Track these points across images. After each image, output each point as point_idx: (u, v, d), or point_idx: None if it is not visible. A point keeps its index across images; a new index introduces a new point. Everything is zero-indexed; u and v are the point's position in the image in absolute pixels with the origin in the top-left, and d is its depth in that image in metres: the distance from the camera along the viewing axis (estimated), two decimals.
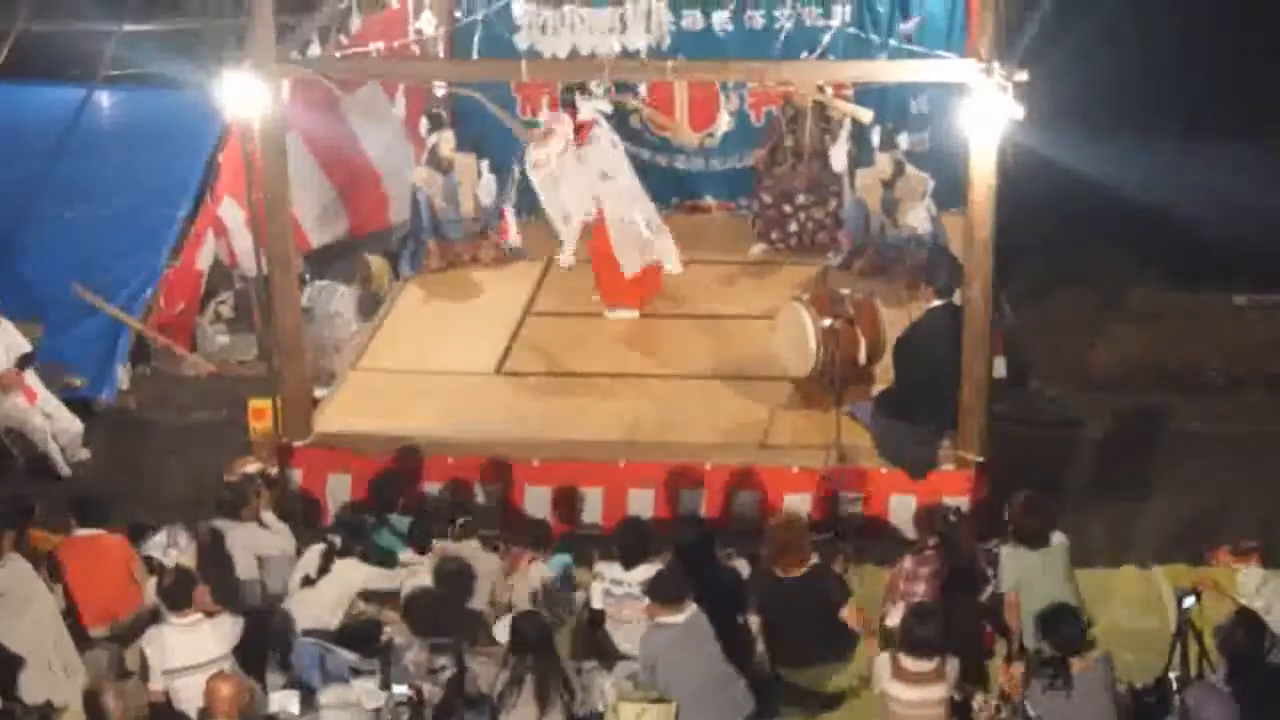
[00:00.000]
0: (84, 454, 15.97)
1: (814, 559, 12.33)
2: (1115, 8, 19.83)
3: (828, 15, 17.77)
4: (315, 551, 12.98)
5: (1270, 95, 19.54)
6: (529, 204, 17.90)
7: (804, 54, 16.51)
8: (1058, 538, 12.25)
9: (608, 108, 16.56)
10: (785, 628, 12.14)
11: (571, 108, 16.34)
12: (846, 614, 12.11)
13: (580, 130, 16.24)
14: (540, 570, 13.01)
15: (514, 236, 17.67)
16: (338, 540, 13.03)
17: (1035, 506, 12.27)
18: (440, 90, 17.24)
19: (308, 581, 12.80)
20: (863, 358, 14.71)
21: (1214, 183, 17.70)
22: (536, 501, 14.48)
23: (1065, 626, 11.18)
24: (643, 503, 14.35)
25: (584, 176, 16.26)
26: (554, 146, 16.28)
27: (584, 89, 16.33)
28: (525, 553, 13.12)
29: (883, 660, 11.39)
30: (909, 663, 11.23)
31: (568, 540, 13.89)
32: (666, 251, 16.71)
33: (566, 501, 14.44)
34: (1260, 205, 17.37)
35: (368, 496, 13.95)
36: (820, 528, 13.65)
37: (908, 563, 12.61)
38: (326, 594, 12.71)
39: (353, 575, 12.86)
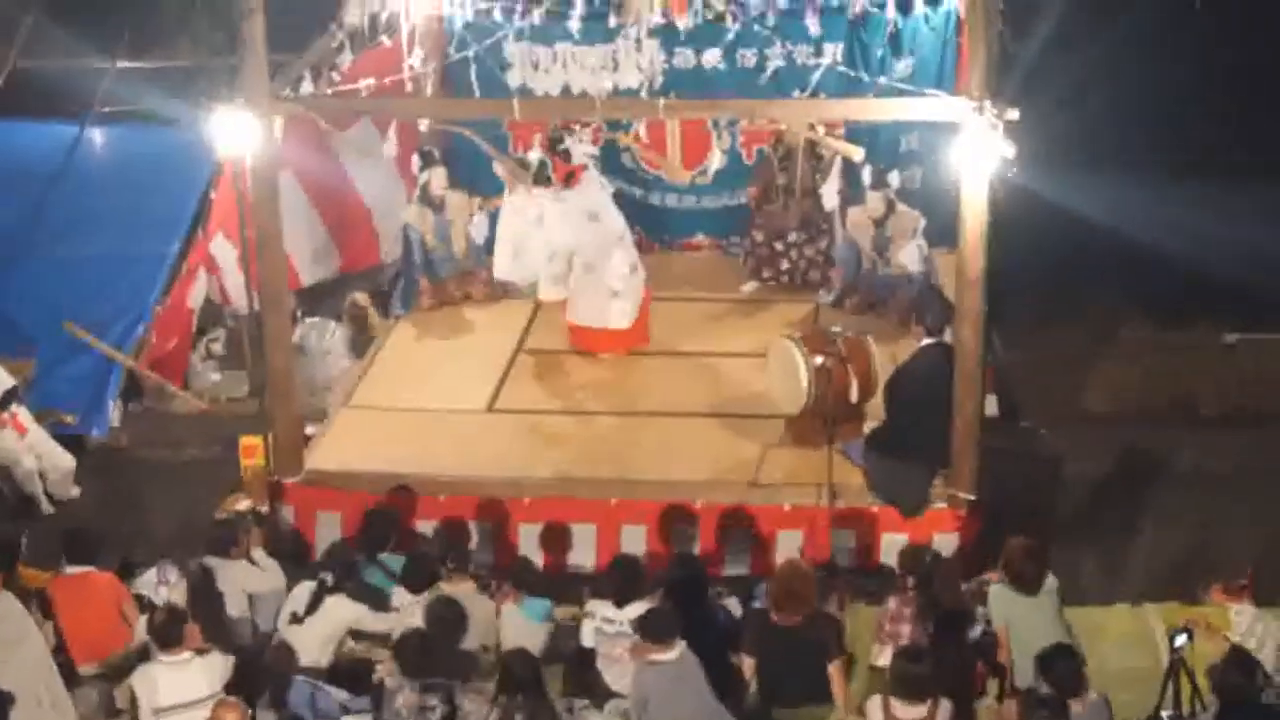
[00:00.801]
0: (75, 491, 15.95)
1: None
2: (1105, 47, 19.90)
3: (819, 54, 17.79)
4: (304, 589, 12.96)
5: (1260, 135, 19.60)
6: None
7: (796, 92, 16.59)
8: (1049, 581, 12.21)
9: (595, 150, 16.55)
10: (779, 673, 12.06)
11: (561, 154, 16.27)
12: (832, 671, 12.00)
13: (573, 174, 16.21)
14: (514, 611, 12.95)
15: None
16: (328, 577, 13.01)
17: (1032, 556, 12.21)
18: (422, 125, 17.26)
19: (295, 619, 12.78)
20: (854, 396, 14.72)
21: (1204, 221, 17.72)
22: (530, 539, 14.46)
23: (1064, 667, 11.12)
24: (635, 540, 14.33)
25: (571, 218, 16.21)
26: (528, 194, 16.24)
27: (569, 131, 16.30)
28: (512, 591, 13.10)
29: (874, 704, 11.32)
30: (900, 708, 11.17)
31: (559, 577, 13.87)
32: (624, 312, 16.64)
33: (558, 539, 14.43)
34: (1249, 243, 17.39)
35: (359, 534, 13.91)
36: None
37: (892, 603, 12.62)
38: (316, 632, 12.68)
39: (342, 613, 12.84)
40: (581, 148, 16.29)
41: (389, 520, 13.88)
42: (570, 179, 16.16)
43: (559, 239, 16.27)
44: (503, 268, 16.66)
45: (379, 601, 13.07)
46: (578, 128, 16.15)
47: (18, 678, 12.16)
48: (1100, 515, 14.94)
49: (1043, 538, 12.64)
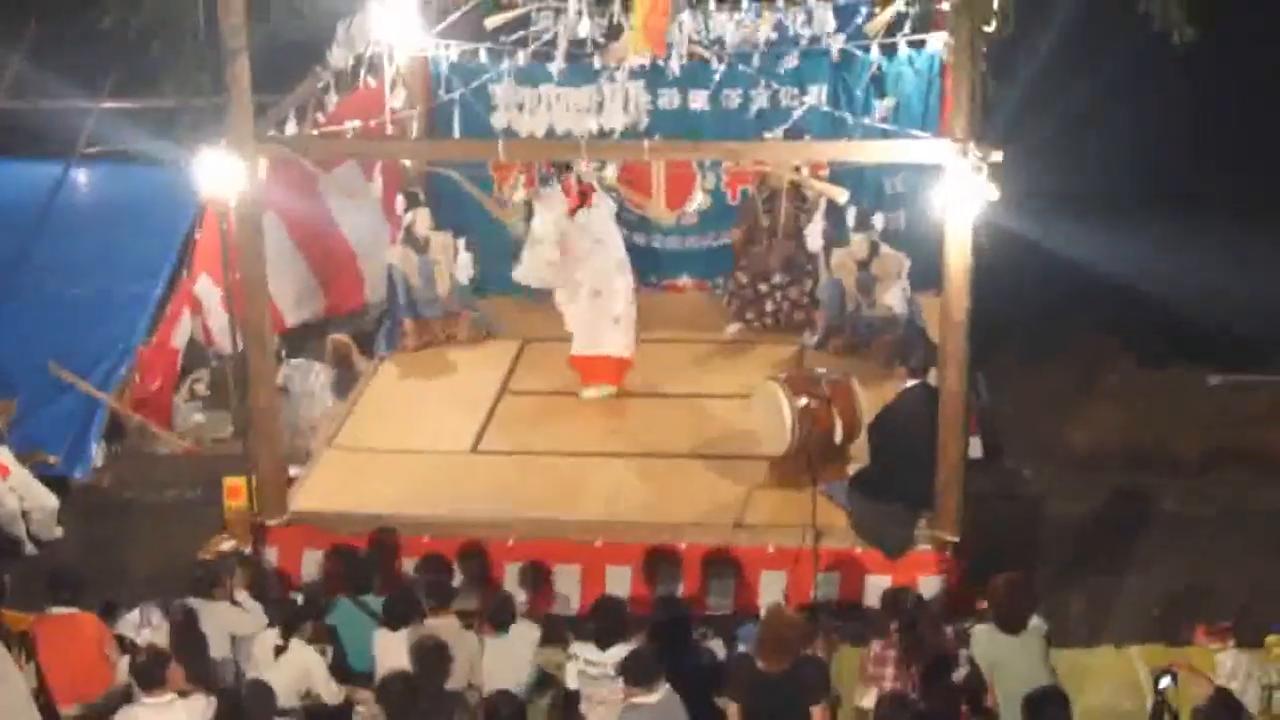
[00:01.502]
0: (58, 532, 15.93)
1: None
2: (1088, 90, 19.99)
3: (804, 95, 17.85)
4: (271, 635, 12.89)
5: (1244, 178, 19.69)
6: (501, 285, 18.04)
7: (780, 133, 16.63)
8: (1035, 622, 12.19)
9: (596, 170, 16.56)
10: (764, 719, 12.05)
11: (567, 173, 16.28)
12: (816, 714, 11.96)
13: (585, 196, 16.22)
14: (497, 641, 12.93)
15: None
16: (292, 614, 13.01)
17: (1016, 591, 12.19)
18: (408, 163, 17.30)
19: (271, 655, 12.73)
20: (838, 437, 14.72)
21: (1187, 263, 17.79)
22: (514, 580, 14.43)
23: (1054, 713, 11.08)
24: (619, 581, 14.31)
25: (579, 241, 16.25)
26: (556, 210, 16.26)
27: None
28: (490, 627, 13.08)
29: None
30: None
31: (543, 619, 13.84)
32: (623, 342, 16.62)
33: (542, 580, 14.40)
34: (1233, 285, 17.47)
35: (344, 576, 13.88)
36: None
37: (876, 646, 12.60)
38: (284, 676, 12.61)
39: (306, 660, 12.76)
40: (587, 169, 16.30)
41: (371, 562, 13.86)
42: (584, 200, 16.17)
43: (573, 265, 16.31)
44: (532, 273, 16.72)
45: (360, 642, 13.03)
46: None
47: None
48: (1084, 556, 14.95)
49: (1027, 577, 12.64)
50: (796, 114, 16.97)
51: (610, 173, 16.44)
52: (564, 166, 16.30)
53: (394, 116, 16.51)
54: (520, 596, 14.09)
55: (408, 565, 14.29)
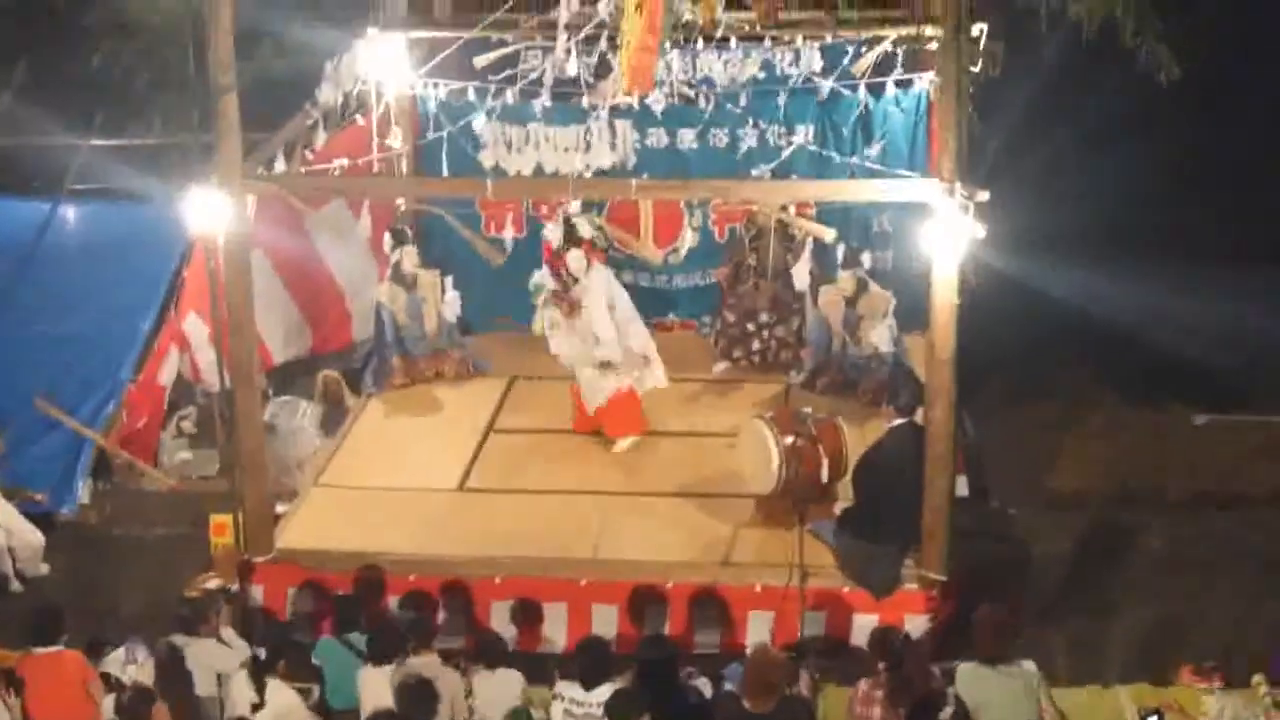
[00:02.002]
0: (44, 568, 15.90)
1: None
2: (1074, 131, 20.07)
3: (791, 134, 17.91)
4: (242, 678, 12.87)
5: (1228, 218, 19.76)
6: (487, 323, 18.09)
7: (767, 172, 16.67)
8: (1028, 665, 12.15)
9: (597, 224, 16.56)
10: None
11: (571, 231, 16.31)
12: None
13: (591, 259, 16.23)
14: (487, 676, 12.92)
15: None
16: (261, 652, 12.97)
17: (1000, 625, 12.20)
18: (400, 202, 17.33)
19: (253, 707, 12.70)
20: (825, 476, 14.73)
21: (1173, 303, 17.84)
22: (500, 618, 14.42)
23: None
24: (606, 620, 14.30)
25: (598, 308, 16.23)
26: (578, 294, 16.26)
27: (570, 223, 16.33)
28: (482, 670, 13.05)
29: None
30: None
31: (529, 657, 13.82)
32: (650, 379, 16.62)
33: (528, 618, 14.39)
34: (1218, 325, 17.52)
35: (330, 615, 13.87)
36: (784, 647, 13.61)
37: (863, 685, 12.56)
38: (265, 717, 12.56)
39: (287, 701, 12.72)
40: (584, 221, 16.29)
41: (356, 600, 13.83)
42: (589, 262, 16.18)
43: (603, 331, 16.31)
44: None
45: (345, 679, 13.01)
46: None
47: None
48: (1070, 596, 14.94)
49: (1007, 611, 12.64)
50: (785, 154, 17.03)
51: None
52: (575, 235, 16.28)
53: (382, 155, 16.53)
54: (510, 633, 14.08)
55: (392, 603, 14.29)
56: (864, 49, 16.80)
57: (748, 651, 13.16)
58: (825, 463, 14.67)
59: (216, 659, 13.20)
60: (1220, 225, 19.73)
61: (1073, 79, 19.99)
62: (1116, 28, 13.97)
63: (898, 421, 14.31)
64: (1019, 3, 13.63)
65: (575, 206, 16.46)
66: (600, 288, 16.16)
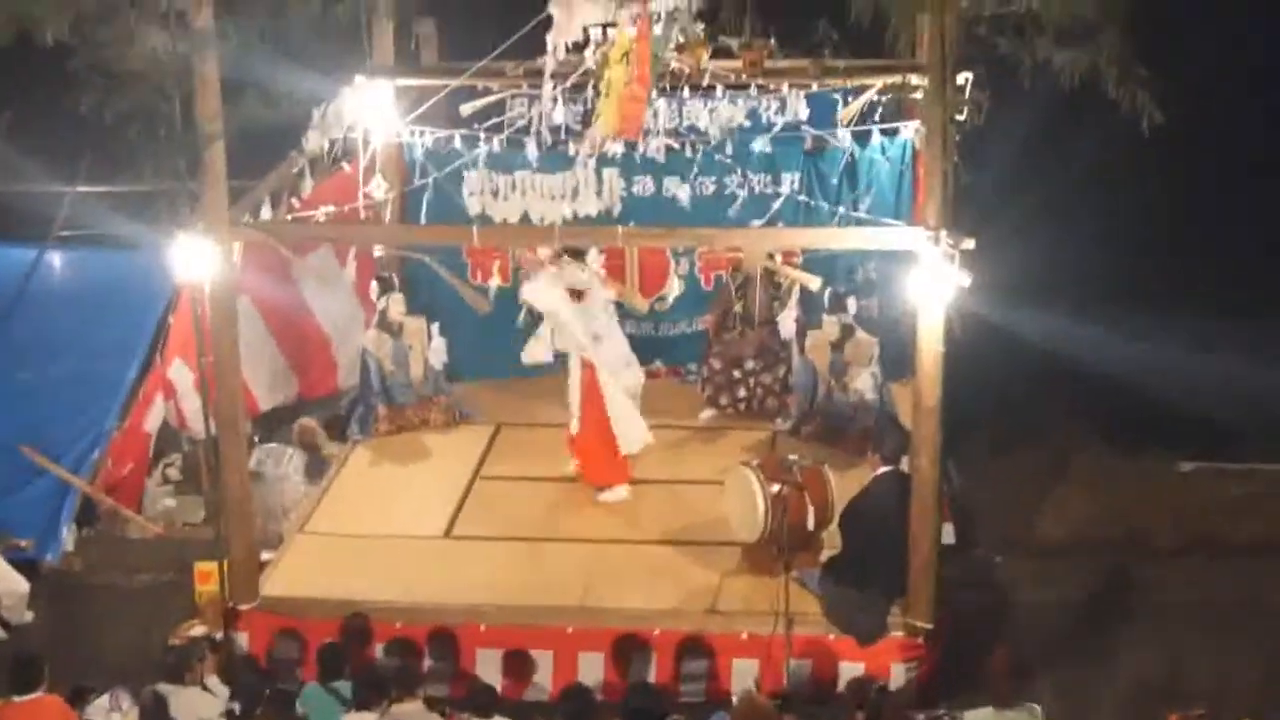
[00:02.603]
0: (28, 616, 15.85)
1: None
2: (1059, 179, 20.13)
3: (777, 182, 17.96)
4: None
5: (1212, 267, 19.82)
6: (474, 370, 18.09)
7: (754, 221, 16.70)
8: (1035, 708, 12.15)
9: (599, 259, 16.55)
10: None
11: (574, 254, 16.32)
12: None
13: (581, 295, 16.24)
14: None
15: None
16: (235, 708, 12.94)
17: (1014, 669, 12.22)
18: (378, 252, 17.34)
19: None
20: (811, 524, 14.72)
21: (1158, 351, 17.87)
22: (487, 666, 14.39)
23: None
24: (592, 667, 14.28)
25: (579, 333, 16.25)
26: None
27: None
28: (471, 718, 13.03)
29: None
30: None
31: (515, 705, 13.80)
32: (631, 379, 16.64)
33: (514, 666, 14.36)
34: (1204, 373, 17.54)
35: (315, 662, 13.83)
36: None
37: None
38: None
39: None
40: (592, 258, 16.29)
41: (340, 649, 13.80)
42: (580, 297, 16.17)
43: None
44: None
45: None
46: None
47: None
48: (1057, 644, 14.93)
49: (1012, 654, 12.67)
50: (775, 205, 17.08)
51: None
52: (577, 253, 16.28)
53: (368, 202, 16.55)
54: (498, 681, 14.06)
55: (378, 650, 14.26)
56: (850, 97, 16.85)
57: (733, 700, 13.15)
58: (811, 510, 14.66)
59: (201, 707, 13.19)
60: (1205, 274, 19.77)
61: (1057, 127, 20.04)
62: (1100, 75, 14.03)
63: (884, 469, 14.34)
64: (1003, 51, 13.70)
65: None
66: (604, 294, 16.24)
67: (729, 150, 17.75)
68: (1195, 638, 14.90)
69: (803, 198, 17.86)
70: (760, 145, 17.71)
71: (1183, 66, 15.72)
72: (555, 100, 15.12)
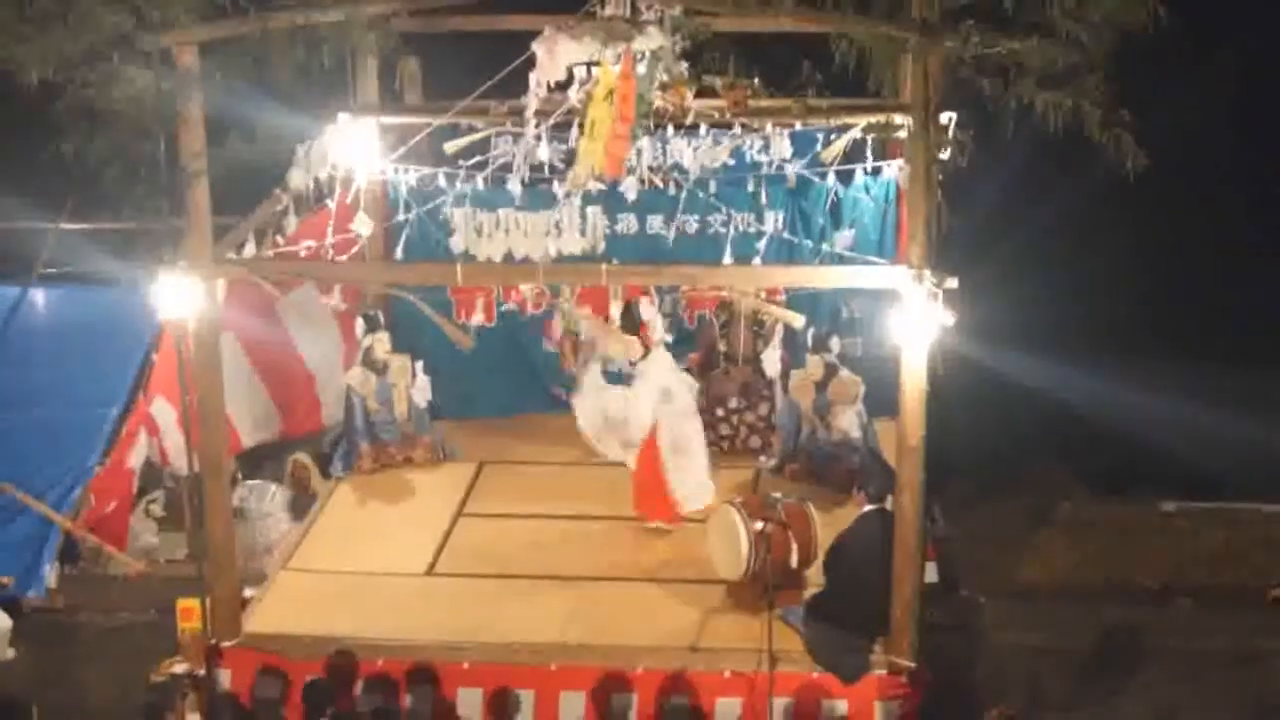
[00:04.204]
0: (10, 653, 15.80)
1: None
2: (1043, 222, 20.18)
3: (761, 220, 18.00)
4: None
5: (1193, 311, 19.89)
6: (458, 408, 18.09)
7: (737, 259, 16.72)
8: None
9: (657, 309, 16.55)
10: None
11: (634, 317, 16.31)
12: None
13: (646, 344, 16.28)
14: None
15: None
16: None
17: None
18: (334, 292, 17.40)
19: None
20: (794, 562, 14.73)
21: (1142, 395, 17.91)
22: (469, 704, 14.36)
23: None
24: (574, 706, 14.25)
25: (647, 394, 16.24)
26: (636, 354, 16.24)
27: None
28: None
29: None
30: None
31: None
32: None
33: (498, 705, 14.33)
34: (1186, 418, 17.59)
35: (299, 701, 13.81)
36: None
37: None
38: None
39: None
40: (648, 310, 16.28)
41: (325, 687, 13.77)
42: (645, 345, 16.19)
43: (635, 421, 16.29)
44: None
45: None
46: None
47: None
48: (1039, 687, 14.94)
49: (974, 708, 12.65)
50: (760, 245, 17.10)
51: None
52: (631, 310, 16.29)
53: (351, 241, 16.54)
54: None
55: (359, 687, 14.24)
56: (833, 136, 16.89)
57: None
58: (795, 548, 14.67)
59: None
60: (1188, 319, 19.84)
61: (1040, 169, 20.10)
62: (1083, 119, 14.04)
63: (868, 508, 14.34)
64: (986, 92, 13.72)
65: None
66: (655, 376, 16.24)
67: (712, 188, 17.79)
68: (1180, 681, 14.91)
69: (787, 235, 17.89)
70: (744, 184, 17.75)
71: (1167, 111, 15.79)
72: (539, 138, 15.16)
